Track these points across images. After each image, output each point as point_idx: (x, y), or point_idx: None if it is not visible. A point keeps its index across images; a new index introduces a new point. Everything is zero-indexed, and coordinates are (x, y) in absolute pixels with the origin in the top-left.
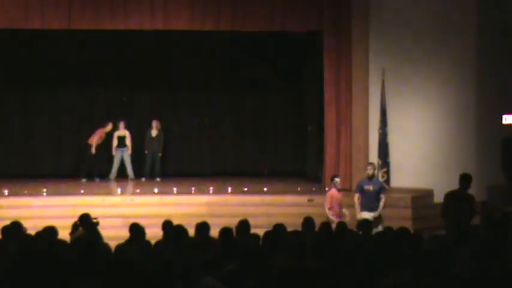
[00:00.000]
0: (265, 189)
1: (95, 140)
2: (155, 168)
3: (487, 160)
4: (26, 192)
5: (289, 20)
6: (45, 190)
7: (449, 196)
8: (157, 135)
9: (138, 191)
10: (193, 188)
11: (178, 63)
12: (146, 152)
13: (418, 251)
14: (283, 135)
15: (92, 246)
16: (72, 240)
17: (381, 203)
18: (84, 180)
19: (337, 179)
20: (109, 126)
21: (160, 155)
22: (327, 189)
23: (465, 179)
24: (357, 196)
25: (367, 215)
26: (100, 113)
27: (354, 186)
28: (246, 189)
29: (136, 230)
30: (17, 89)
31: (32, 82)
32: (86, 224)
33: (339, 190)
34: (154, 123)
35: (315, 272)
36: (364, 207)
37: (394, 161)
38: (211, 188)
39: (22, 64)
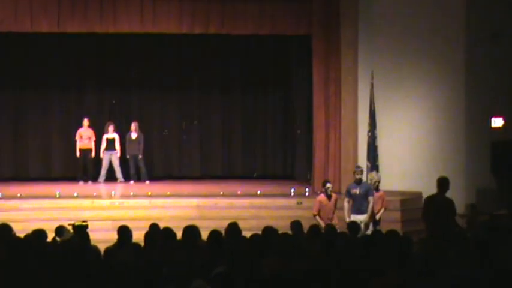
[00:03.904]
0: (258, 192)
1: (91, 144)
2: (141, 170)
3: (476, 163)
4: (15, 195)
5: (278, 24)
6: (34, 193)
7: (430, 200)
8: (137, 137)
9: (127, 194)
10: (182, 191)
11: (167, 65)
12: (128, 156)
13: (407, 253)
14: (273, 138)
15: (81, 249)
16: (60, 243)
17: (369, 206)
18: (81, 183)
19: (328, 185)
20: (85, 122)
21: (140, 156)
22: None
23: (444, 183)
24: (346, 200)
25: (355, 217)
26: (89, 115)
27: (343, 189)
28: (239, 192)
29: (124, 232)
30: (6, 91)
31: (21, 84)
32: (61, 235)
33: (329, 196)
34: (133, 125)
35: (305, 275)
36: (354, 211)
37: (383, 164)
38: (201, 191)
39: (12, 65)
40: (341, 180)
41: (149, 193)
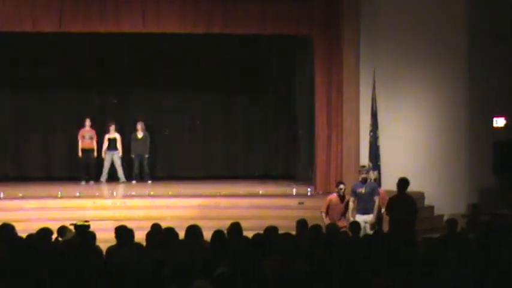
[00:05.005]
0: (260, 192)
1: (94, 144)
2: (144, 170)
3: (478, 163)
4: (17, 195)
5: (280, 24)
6: (36, 193)
7: (391, 201)
8: (143, 137)
9: (129, 193)
10: (184, 191)
11: (169, 65)
12: (132, 155)
13: (409, 253)
14: (275, 138)
15: (82, 249)
16: (62, 242)
17: (375, 206)
18: (83, 183)
19: (341, 186)
20: (87, 122)
21: (147, 156)
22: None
23: (401, 183)
24: (351, 200)
25: (360, 218)
26: (91, 115)
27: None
28: (237, 191)
29: (122, 232)
30: (8, 91)
31: (23, 84)
32: (63, 235)
33: (341, 197)
34: (139, 125)
35: (307, 275)
36: (359, 210)
37: (385, 164)
38: (203, 191)
39: (13, 65)
40: (343, 180)
41: (147, 194)
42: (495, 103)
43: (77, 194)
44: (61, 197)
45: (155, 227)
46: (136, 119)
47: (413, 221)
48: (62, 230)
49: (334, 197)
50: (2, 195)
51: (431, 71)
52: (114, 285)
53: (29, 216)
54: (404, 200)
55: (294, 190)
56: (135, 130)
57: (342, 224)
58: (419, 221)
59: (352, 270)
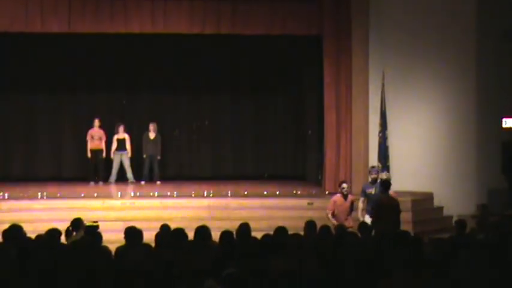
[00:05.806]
0: (265, 192)
1: (102, 145)
2: (154, 171)
3: (487, 163)
4: (26, 195)
5: (289, 24)
6: (45, 193)
7: (379, 202)
8: (155, 138)
9: (138, 194)
10: (193, 192)
11: (178, 66)
12: (144, 156)
13: (417, 254)
14: (284, 138)
15: (91, 250)
16: (68, 244)
17: None
18: (92, 183)
19: (344, 185)
20: (96, 122)
21: (159, 157)
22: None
23: (388, 185)
24: (361, 200)
25: (369, 219)
26: (100, 115)
27: (354, 190)
28: (246, 192)
29: (131, 233)
30: (18, 92)
31: (32, 85)
32: (77, 228)
33: (345, 196)
34: (152, 126)
35: (315, 275)
36: (369, 211)
37: (394, 164)
38: (212, 192)
39: (22, 66)
40: (352, 181)
41: (156, 194)
42: (504, 104)
43: (86, 194)
44: (70, 198)
45: (164, 228)
46: (145, 119)
47: (398, 221)
48: (77, 222)
49: (338, 197)
50: (10, 196)
51: (440, 71)
52: (123, 286)
53: (37, 216)
54: (390, 201)
55: (304, 191)
56: (147, 131)
57: (349, 224)
58: (428, 222)
59: (361, 271)
